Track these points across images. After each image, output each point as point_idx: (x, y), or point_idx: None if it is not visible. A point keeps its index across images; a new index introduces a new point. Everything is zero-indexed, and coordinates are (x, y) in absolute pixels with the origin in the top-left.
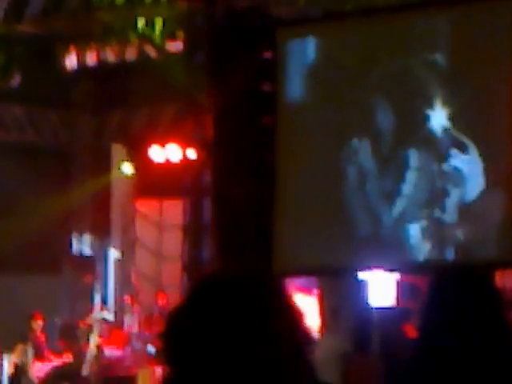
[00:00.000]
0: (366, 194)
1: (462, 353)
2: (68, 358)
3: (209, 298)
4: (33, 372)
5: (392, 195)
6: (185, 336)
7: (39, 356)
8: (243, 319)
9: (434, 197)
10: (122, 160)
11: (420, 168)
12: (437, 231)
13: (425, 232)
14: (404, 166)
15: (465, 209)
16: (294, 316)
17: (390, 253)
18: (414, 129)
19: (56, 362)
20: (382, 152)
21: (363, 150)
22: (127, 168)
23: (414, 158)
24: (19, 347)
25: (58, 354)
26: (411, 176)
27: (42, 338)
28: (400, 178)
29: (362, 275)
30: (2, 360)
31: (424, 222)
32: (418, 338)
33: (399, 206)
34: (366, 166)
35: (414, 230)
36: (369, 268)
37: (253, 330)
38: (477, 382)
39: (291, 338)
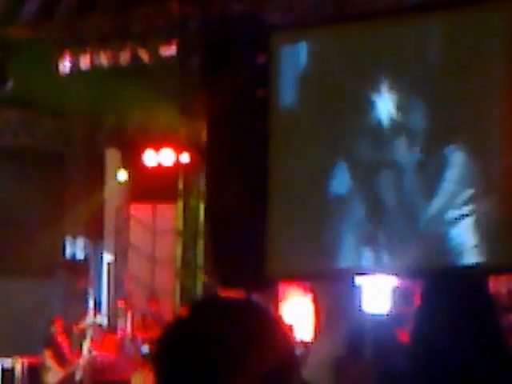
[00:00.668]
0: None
1: (455, 357)
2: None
3: (199, 324)
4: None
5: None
6: (173, 356)
7: (62, 360)
8: (228, 346)
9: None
10: (118, 167)
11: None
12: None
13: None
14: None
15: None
16: (280, 343)
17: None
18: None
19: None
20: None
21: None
22: (122, 175)
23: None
24: (46, 352)
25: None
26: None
27: (65, 343)
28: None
29: (357, 280)
30: None
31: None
32: (410, 342)
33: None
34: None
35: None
36: (366, 272)
37: (236, 357)
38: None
39: (275, 367)
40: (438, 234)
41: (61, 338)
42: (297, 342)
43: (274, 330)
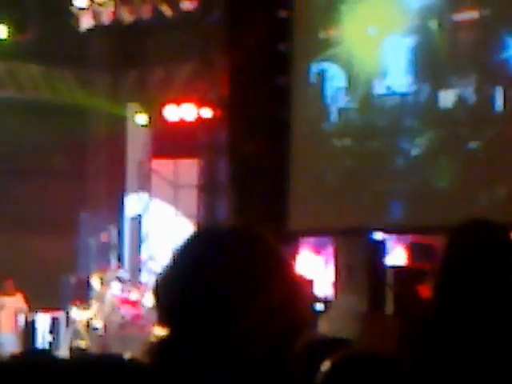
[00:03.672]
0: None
1: (481, 308)
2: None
3: (197, 252)
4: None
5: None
6: (171, 291)
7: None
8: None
9: None
10: (136, 111)
11: None
12: None
13: None
14: None
15: None
16: (293, 284)
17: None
18: None
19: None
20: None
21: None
22: (141, 119)
23: None
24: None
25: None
26: None
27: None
28: None
29: (377, 235)
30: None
31: None
32: (435, 293)
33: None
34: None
35: None
36: (386, 228)
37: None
38: (494, 337)
39: (284, 313)
40: (458, 190)
41: None
42: (317, 298)
43: (289, 269)
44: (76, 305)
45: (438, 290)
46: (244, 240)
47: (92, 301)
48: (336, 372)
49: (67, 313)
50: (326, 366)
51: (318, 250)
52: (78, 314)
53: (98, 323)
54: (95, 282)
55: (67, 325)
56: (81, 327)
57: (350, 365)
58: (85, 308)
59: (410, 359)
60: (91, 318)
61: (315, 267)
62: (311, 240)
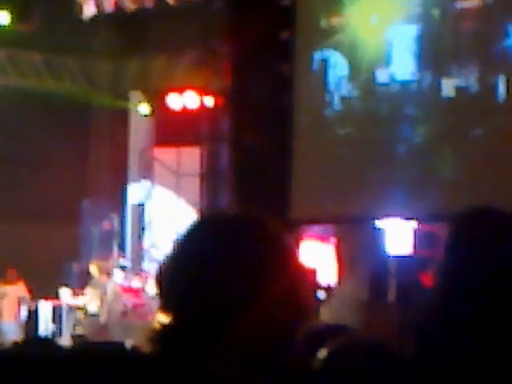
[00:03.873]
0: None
1: (482, 296)
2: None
3: (201, 239)
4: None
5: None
6: (175, 278)
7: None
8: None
9: None
10: (139, 101)
11: None
12: None
13: None
14: None
15: None
16: (297, 271)
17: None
18: None
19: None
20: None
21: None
22: (144, 109)
23: None
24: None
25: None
26: None
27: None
28: None
29: (379, 223)
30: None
31: None
32: (438, 281)
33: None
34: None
35: None
36: (388, 216)
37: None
38: (497, 325)
39: (290, 296)
40: (460, 178)
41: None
42: (320, 286)
43: (293, 257)
44: (68, 289)
45: (440, 278)
46: (248, 228)
47: (88, 288)
48: (333, 359)
49: (57, 293)
50: (323, 353)
51: (322, 237)
52: (69, 299)
53: (93, 307)
54: (93, 269)
55: (68, 313)
56: (81, 315)
57: (346, 352)
58: (81, 294)
59: (411, 347)
60: (85, 305)
61: (319, 254)
62: (315, 227)
